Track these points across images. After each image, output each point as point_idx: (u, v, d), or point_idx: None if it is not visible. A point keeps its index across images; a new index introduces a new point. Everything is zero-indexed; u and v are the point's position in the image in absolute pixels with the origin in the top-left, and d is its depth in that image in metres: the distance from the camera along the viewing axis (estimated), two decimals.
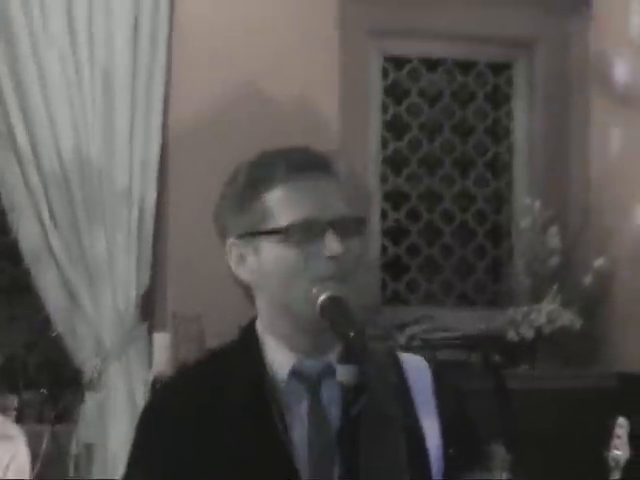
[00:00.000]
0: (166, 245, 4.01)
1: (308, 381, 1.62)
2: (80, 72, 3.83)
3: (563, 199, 4.43)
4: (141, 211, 3.88)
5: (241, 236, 1.65)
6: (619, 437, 3.45)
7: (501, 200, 4.58)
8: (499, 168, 4.60)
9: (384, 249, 4.40)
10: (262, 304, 1.68)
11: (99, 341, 3.84)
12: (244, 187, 1.64)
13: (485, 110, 4.56)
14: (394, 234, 4.43)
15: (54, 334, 3.86)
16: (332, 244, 1.58)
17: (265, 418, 1.59)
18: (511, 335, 4.14)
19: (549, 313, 4.09)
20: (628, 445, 3.44)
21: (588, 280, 4.14)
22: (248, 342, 1.68)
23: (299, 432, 1.61)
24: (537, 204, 4.22)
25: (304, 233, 1.59)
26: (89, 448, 3.84)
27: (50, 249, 3.80)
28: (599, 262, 4.15)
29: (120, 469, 3.87)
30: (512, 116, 4.56)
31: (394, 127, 4.47)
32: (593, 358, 4.29)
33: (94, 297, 3.83)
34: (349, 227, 1.62)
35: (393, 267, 4.39)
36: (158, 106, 3.93)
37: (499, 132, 4.60)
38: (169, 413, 1.64)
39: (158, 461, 1.61)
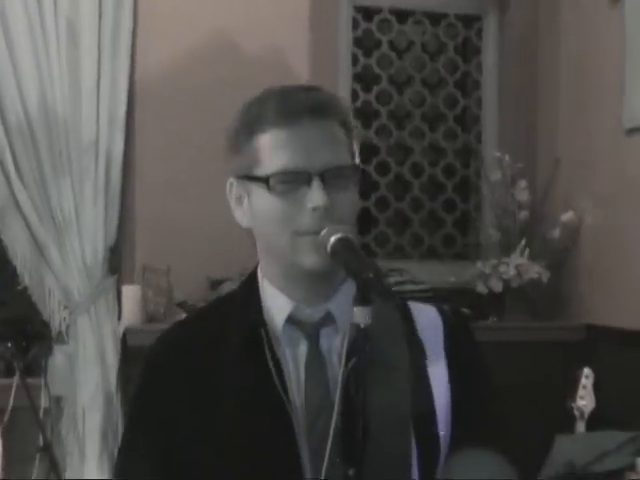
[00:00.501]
0: (134, 198, 3.99)
1: (306, 329, 1.60)
2: (45, 23, 3.77)
3: (532, 153, 4.43)
4: (108, 163, 3.86)
5: (237, 177, 1.61)
6: (584, 387, 3.49)
7: (470, 154, 4.59)
8: (468, 121, 4.60)
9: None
10: (259, 249, 1.65)
11: (67, 294, 3.83)
12: (240, 126, 1.60)
13: (455, 63, 4.55)
14: (363, 187, 4.42)
15: (21, 287, 3.85)
16: (316, 195, 1.53)
17: (260, 365, 1.56)
18: (480, 288, 4.16)
19: (518, 266, 4.11)
20: (593, 395, 3.48)
21: (556, 233, 4.16)
22: (249, 288, 1.65)
23: (295, 380, 1.59)
24: (506, 158, 4.22)
25: (288, 184, 1.54)
26: (58, 401, 3.85)
27: (16, 202, 3.77)
28: (567, 216, 4.17)
29: (90, 421, 3.89)
30: (482, 69, 4.55)
31: (364, 79, 4.45)
32: (561, 311, 4.32)
33: (62, 250, 3.81)
34: (340, 177, 1.56)
35: (362, 220, 4.39)
36: (125, 57, 3.88)
37: (469, 85, 4.59)
38: (166, 363, 1.63)
39: (157, 413, 1.60)
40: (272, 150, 1.55)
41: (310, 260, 1.55)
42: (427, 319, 1.65)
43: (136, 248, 4.00)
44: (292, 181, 1.54)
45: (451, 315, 1.70)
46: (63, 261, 3.81)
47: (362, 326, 1.43)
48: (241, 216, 1.63)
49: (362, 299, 1.44)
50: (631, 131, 3.71)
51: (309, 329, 1.60)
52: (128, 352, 3.84)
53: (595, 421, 3.46)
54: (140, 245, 4.00)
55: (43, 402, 3.73)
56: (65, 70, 3.79)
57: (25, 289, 3.85)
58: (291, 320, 1.60)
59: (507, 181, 4.23)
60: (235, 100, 4.25)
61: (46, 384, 3.73)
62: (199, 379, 1.58)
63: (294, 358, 1.60)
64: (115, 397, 3.84)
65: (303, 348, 1.60)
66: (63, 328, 3.84)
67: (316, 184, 1.53)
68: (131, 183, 3.98)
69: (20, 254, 3.81)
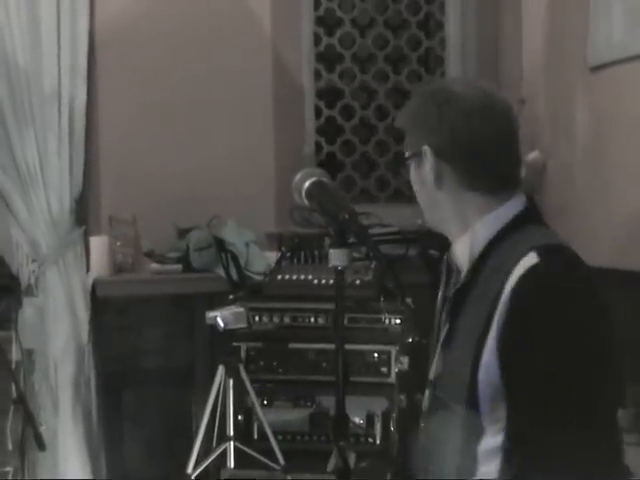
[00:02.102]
0: (98, 147, 3.95)
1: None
2: None
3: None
4: (71, 113, 3.81)
5: None
6: None
7: None
8: (432, 63, 4.58)
9: (319, 147, 4.39)
10: None
11: (35, 246, 3.80)
12: None
13: (417, 3, 4.52)
14: (328, 132, 4.41)
15: None
16: None
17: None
18: None
19: None
20: None
21: (522, 173, 4.17)
22: None
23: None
24: None
25: None
26: (30, 354, 3.84)
27: None
28: (532, 155, 4.18)
29: (62, 373, 3.88)
30: (445, 9, 4.53)
31: (326, 23, 4.41)
32: None
33: (27, 202, 3.77)
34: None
35: (328, 165, 4.38)
36: (84, 6, 3.81)
37: (432, 26, 4.57)
38: None
39: None
40: None
41: None
42: (521, 269, 1.62)
43: (102, 199, 3.98)
44: None
45: (537, 272, 1.61)
46: (29, 213, 3.78)
47: (339, 268, 1.44)
48: None
49: (339, 241, 1.46)
50: (596, 69, 3.71)
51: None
52: (97, 303, 3.84)
53: None
54: (106, 196, 3.98)
55: (15, 355, 3.71)
56: (24, 18, 3.71)
57: None
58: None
59: None
60: (198, 46, 4.21)
61: (17, 337, 3.71)
62: None
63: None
64: (86, 349, 3.84)
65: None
66: (32, 281, 3.81)
67: None
68: (95, 132, 3.94)
69: None
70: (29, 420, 3.30)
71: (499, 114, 1.72)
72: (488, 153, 1.72)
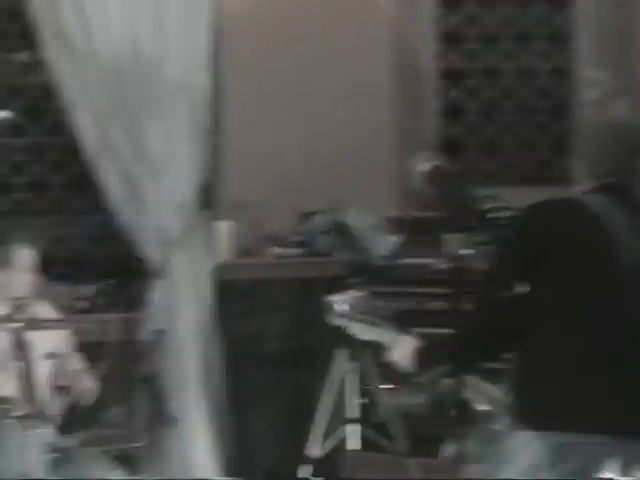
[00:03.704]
0: (224, 134, 4.00)
1: None
2: None
3: (632, 69, 4.28)
4: (198, 101, 3.85)
5: None
6: None
7: (564, 73, 4.45)
8: (561, 40, 4.45)
9: (441, 129, 4.34)
10: None
11: (163, 231, 3.87)
12: None
13: None
14: (451, 113, 4.36)
15: (118, 226, 3.91)
16: None
17: None
18: None
19: None
20: None
21: None
22: None
23: None
24: (604, 75, 4.09)
25: None
26: (159, 334, 3.92)
27: (111, 143, 3.81)
28: None
29: (188, 354, 3.94)
30: None
31: (449, 1, 4.34)
32: None
33: (155, 189, 3.84)
34: None
35: (450, 147, 4.33)
36: None
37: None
38: None
39: None
40: None
41: None
42: None
43: (227, 184, 4.03)
44: None
45: None
46: (157, 200, 3.84)
47: (456, 253, 1.44)
48: None
49: (456, 226, 1.45)
50: None
51: None
52: (223, 286, 3.89)
53: None
54: (231, 181, 4.03)
55: (144, 336, 3.80)
56: (151, 11, 3.78)
57: (122, 228, 3.90)
58: None
59: (605, 99, 4.09)
60: (323, 29, 4.19)
61: (146, 319, 3.81)
62: None
63: None
64: (212, 330, 3.89)
65: None
66: (160, 264, 3.89)
67: None
68: (220, 119, 3.99)
69: (115, 195, 3.86)
70: (158, 398, 3.39)
71: None
72: None
